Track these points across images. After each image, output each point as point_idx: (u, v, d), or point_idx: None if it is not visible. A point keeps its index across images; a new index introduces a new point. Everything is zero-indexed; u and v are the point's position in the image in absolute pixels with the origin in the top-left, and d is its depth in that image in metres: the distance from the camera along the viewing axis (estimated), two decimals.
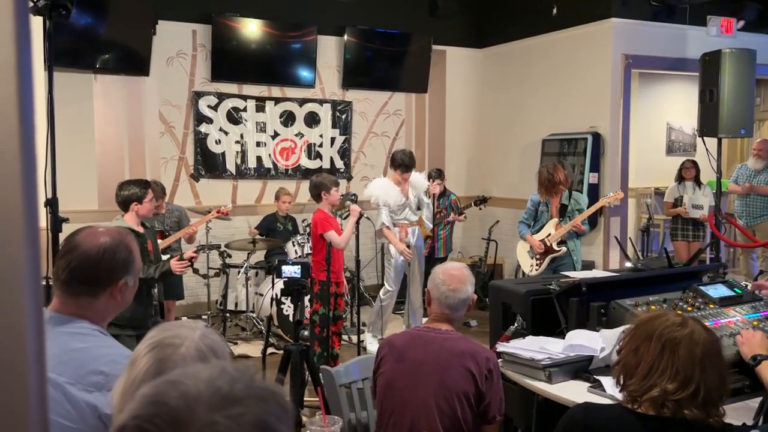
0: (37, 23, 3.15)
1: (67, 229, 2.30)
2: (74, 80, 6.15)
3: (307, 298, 4.59)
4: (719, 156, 5.94)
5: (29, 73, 0.38)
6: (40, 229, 0.40)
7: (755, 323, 2.64)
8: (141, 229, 3.97)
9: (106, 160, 6.50)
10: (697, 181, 7.04)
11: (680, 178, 7.08)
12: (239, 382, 0.71)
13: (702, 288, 2.85)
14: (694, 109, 6.10)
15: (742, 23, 6.97)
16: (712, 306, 2.74)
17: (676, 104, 9.08)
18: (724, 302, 2.77)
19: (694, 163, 7.12)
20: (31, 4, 2.90)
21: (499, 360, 2.58)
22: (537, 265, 5.25)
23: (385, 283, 5.73)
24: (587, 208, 5.21)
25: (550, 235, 5.18)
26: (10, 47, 0.36)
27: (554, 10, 6.95)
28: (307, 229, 6.05)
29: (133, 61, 6.40)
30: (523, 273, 5.57)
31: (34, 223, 0.38)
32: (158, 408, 0.67)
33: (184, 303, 6.40)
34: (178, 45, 6.74)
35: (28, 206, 0.37)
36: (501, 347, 2.66)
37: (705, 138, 5.86)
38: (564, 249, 5.14)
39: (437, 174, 6.69)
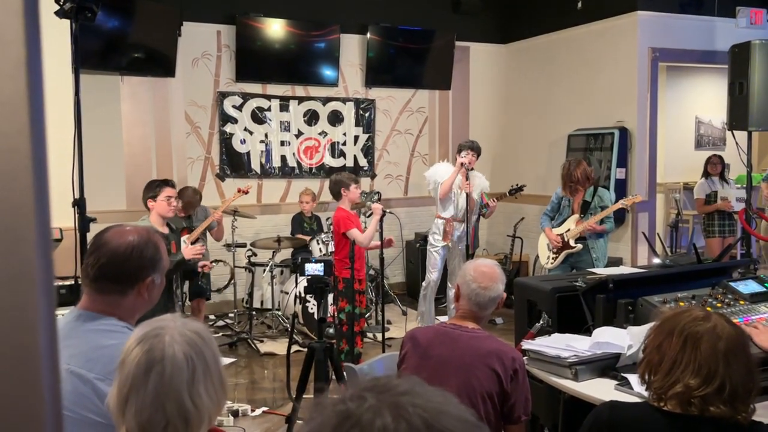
0: (64, 26, 3.20)
1: (94, 229, 2.34)
2: (102, 82, 6.23)
3: (330, 296, 4.62)
4: (749, 150, 5.82)
5: (39, 71, 0.38)
6: (51, 227, 0.41)
7: None
8: (165, 230, 4.03)
9: (134, 160, 6.59)
10: (723, 176, 6.91)
11: (707, 174, 6.96)
12: (433, 414, 0.64)
13: (732, 284, 2.79)
14: (723, 102, 5.99)
15: None
16: (742, 302, 2.69)
17: (704, 97, 8.92)
18: (755, 298, 2.72)
19: (721, 159, 6.99)
20: (57, 7, 2.95)
21: (525, 358, 2.55)
22: (553, 258, 5.23)
23: (427, 275, 5.80)
24: (612, 204, 5.15)
25: (569, 230, 5.15)
26: (20, 45, 0.37)
27: (579, 4, 6.88)
28: (332, 227, 6.09)
29: (159, 62, 6.47)
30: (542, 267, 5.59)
31: (45, 220, 0.38)
32: (372, 381, 0.67)
33: (211, 301, 6.45)
34: (203, 46, 6.81)
35: (40, 203, 0.37)
36: (526, 345, 2.64)
37: (735, 131, 5.75)
38: (580, 246, 5.10)
39: None
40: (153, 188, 4.15)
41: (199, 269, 4.62)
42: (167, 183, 4.23)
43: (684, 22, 6.69)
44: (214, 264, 4.84)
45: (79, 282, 1.75)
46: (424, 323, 5.74)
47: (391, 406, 0.62)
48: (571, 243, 5.13)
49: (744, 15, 6.60)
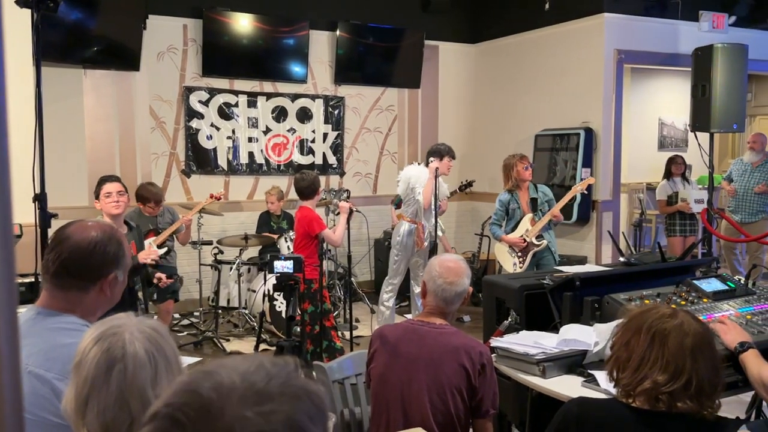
0: (25, 16, 3.11)
1: (56, 225, 2.28)
2: (64, 75, 6.09)
3: None
4: (711, 151, 5.94)
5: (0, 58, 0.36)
6: (12, 220, 0.38)
7: (749, 317, 2.64)
8: (123, 229, 3.94)
9: (97, 155, 6.45)
10: (685, 177, 7.05)
11: (669, 174, 7.08)
12: (275, 378, 0.70)
13: (696, 282, 2.84)
14: (686, 104, 6.11)
15: (733, 18, 6.98)
16: (705, 300, 2.74)
17: (668, 99, 9.10)
18: (718, 296, 2.77)
19: (684, 159, 7.14)
20: None
21: (493, 355, 2.56)
22: (521, 262, 5.25)
23: (390, 279, 5.77)
24: (556, 197, 5.34)
25: (527, 230, 5.20)
26: None
27: (547, 5, 6.94)
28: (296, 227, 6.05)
29: (124, 55, 6.35)
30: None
31: (6, 215, 0.36)
32: (191, 397, 0.67)
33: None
34: (169, 40, 6.70)
35: (0, 198, 0.35)
36: (495, 342, 2.65)
37: (697, 133, 5.86)
38: (545, 242, 5.18)
39: None
40: (96, 188, 4.03)
41: (155, 280, 4.46)
42: (105, 179, 4.08)
43: (649, 24, 6.81)
44: (173, 278, 4.65)
45: (40, 279, 1.71)
46: (382, 323, 5.70)
47: None
48: (535, 241, 5.19)
49: (707, 19, 6.74)
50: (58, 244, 1.64)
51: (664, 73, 8.61)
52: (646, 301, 2.63)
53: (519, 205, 5.26)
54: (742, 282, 2.95)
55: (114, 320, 1.29)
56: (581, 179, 6.72)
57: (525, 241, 5.20)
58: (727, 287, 2.84)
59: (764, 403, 2.77)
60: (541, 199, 5.27)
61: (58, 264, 1.62)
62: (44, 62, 3.18)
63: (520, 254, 5.25)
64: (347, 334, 5.33)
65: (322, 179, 6.92)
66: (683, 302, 2.69)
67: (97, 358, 1.22)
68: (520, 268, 5.24)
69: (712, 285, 2.84)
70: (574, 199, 5.92)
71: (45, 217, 2.95)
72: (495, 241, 5.44)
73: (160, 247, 5.03)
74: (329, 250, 6.07)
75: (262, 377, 0.70)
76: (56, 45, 5.78)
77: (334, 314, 6.16)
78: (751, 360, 2.18)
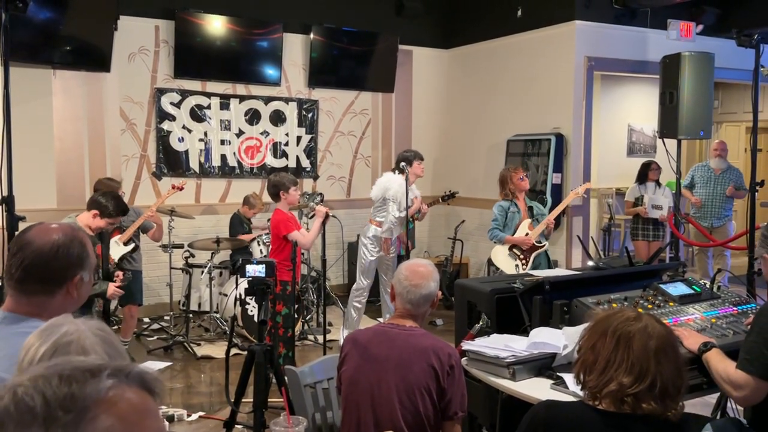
0: None
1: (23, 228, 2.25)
2: (33, 76, 5.99)
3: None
4: (678, 157, 6.05)
5: None
6: None
7: (713, 320, 2.70)
8: (91, 231, 3.90)
9: (66, 157, 6.35)
10: (658, 183, 7.18)
11: (643, 179, 7.18)
12: (31, 386, 0.72)
13: (662, 286, 2.89)
14: (654, 111, 6.21)
15: (701, 27, 7.12)
16: (672, 304, 2.79)
17: (637, 106, 9.24)
18: (684, 300, 2.82)
19: (659, 166, 7.25)
20: None
21: (465, 358, 2.58)
22: (524, 264, 5.26)
23: (358, 282, 5.77)
24: (548, 212, 5.43)
25: (527, 234, 5.26)
26: None
27: (519, 12, 7.02)
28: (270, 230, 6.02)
29: (94, 56, 6.27)
30: None
31: None
32: None
33: (146, 303, 6.28)
34: (140, 41, 6.63)
35: None
36: (466, 345, 2.67)
37: (665, 139, 5.97)
38: (546, 243, 5.27)
39: None
40: (102, 204, 3.86)
41: (115, 278, 4.40)
42: (121, 210, 3.98)
43: (618, 32, 6.92)
44: (125, 272, 4.57)
45: (4, 284, 1.68)
46: (350, 328, 5.68)
47: None
48: (537, 243, 5.27)
49: (675, 27, 6.87)
50: (19, 249, 1.61)
51: (633, 80, 8.74)
52: (614, 305, 2.68)
53: (519, 209, 5.32)
54: (708, 286, 3.02)
55: (58, 327, 1.22)
56: (552, 184, 6.81)
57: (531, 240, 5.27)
58: (692, 291, 2.90)
59: (729, 404, 2.83)
60: (536, 210, 5.37)
61: (21, 270, 1.59)
62: (12, 62, 3.14)
63: (522, 256, 5.27)
64: (320, 338, 5.31)
65: None
66: (650, 306, 2.74)
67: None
68: (524, 269, 5.22)
69: (678, 289, 2.89)
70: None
71: (12, 219, 2.91)
72: (496, 244, 5.35)
73: (126, 244, 5.00)
74: (303, 254, 6.05)
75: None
76: (25, 44, 5.69)
77: (308, 318, 6.16)
78: (715, 358, 2.23)
